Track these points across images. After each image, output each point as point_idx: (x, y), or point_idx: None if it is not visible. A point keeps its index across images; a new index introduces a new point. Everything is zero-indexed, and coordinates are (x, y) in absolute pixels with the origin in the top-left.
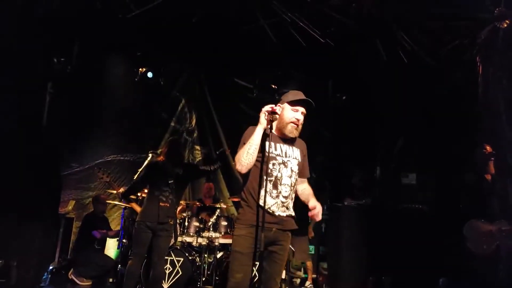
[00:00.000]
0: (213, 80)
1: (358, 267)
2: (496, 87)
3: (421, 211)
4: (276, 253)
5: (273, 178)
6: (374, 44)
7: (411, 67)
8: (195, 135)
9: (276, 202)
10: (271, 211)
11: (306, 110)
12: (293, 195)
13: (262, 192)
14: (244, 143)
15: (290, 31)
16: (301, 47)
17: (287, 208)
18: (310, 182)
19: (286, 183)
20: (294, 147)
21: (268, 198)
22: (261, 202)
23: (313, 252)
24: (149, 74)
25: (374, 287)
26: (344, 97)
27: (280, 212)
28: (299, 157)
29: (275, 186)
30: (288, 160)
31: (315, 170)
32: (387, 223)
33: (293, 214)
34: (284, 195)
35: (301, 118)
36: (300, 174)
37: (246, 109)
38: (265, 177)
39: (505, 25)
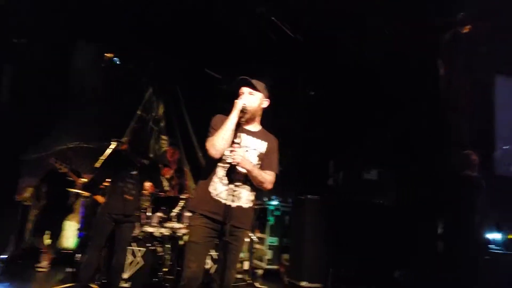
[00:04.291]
0: (183, 70)
1: (319, 259)
2: (459, 90)
3: (381, 206)
4: (231, 244)
5: (226, 165)
6: (343, 41)
7: (378, 65)
8: (162, 124)
9: (227, 190)
10: (218, 198)
11: (252, 88)
12: (250, 187)
13: (214, 179)
14: (214, 129)
15: (261, 24)
16: (272, 41)
17: (238, 198)
18: (278, 175)
19: (240, 171)
20: (259, 139)
21: (218, 184)
22: (211, 189)
23: (276, 243)
24: (116, 60)
25: (333, 279)
26: (313, 93)
27: (229, 201)
28: (262, 149)
29: (227, 174)
30: (246, 150)
31: (282, 163)
32: (349, 217)
33: (247, 205)
34: (236, 183)
35: (248, 99)
36: (264, 167)
37: (215, 101)
38: (219, 164)
39: (467, 30)
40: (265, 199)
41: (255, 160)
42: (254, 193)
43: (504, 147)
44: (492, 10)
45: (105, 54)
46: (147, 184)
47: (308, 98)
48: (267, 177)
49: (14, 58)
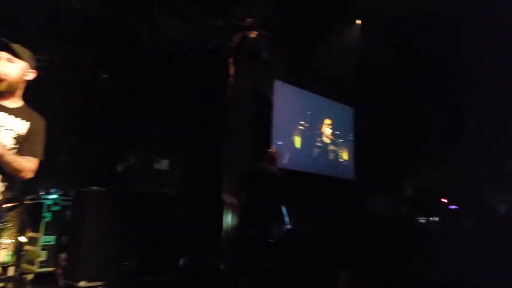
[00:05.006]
0: None
1: (101, 255)
2: (244, 89)
3: (170, 196)
4: None
5: None
6: (139, 27)
7: (174, 56)
8: None
9: None
10: None
11: (13, 54)
12: (1, 175)
13: None
14: None
15: None
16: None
17: None
18: (59, 166)
19: None
20: (18, 118)
21: None
22: None
23: (53, 242)
24: None
25: (116, 274)
26: (105, 75)
27: None
28: (21, 130)
29: None
30: None
31: (66, 152)
32: (136, 208)
33: None
34: None
35: (5, 67)
36: (24, 152)
37: None
38: None
39: (253, 35)
40: (42, 192)
41: (10, 142)
42: (6, 183)
43: (278, 143)
44: (273, 20)
45: None
46: None
47: (100, 81)
48: (26, 164)
49: None
